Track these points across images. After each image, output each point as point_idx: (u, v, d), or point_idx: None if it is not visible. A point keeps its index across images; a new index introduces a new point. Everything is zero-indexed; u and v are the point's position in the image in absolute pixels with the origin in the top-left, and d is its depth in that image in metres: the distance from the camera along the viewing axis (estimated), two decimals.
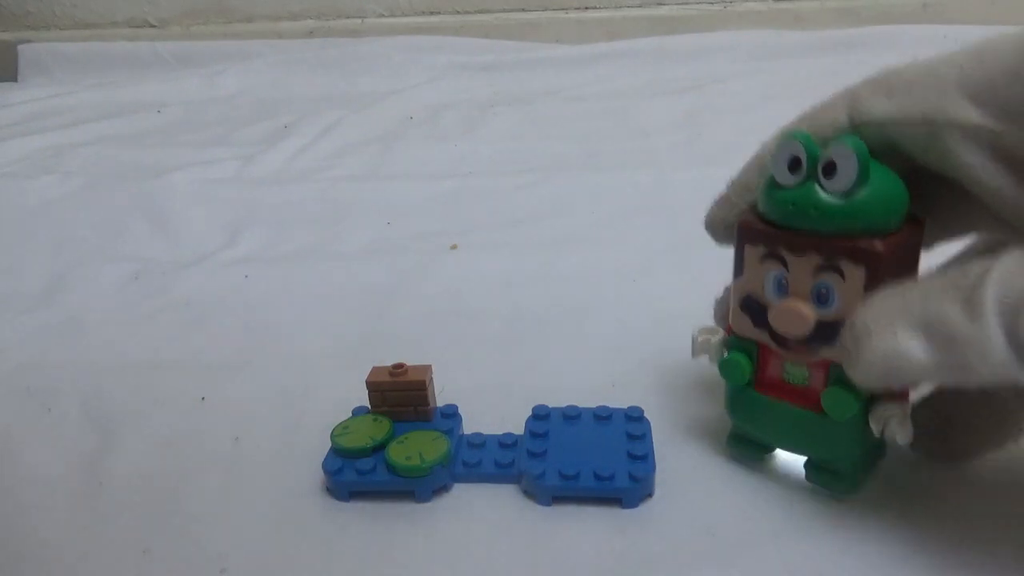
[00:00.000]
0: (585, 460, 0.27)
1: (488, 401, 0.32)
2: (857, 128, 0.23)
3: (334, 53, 1.08)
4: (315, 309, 0.43)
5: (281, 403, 0.34)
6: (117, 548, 0.26)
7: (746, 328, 0.26)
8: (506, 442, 0.29)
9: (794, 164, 0.23)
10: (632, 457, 0.28)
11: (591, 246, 0.49)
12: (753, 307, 0.25)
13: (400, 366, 0.30)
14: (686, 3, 1.16)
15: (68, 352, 0.39)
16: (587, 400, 0.31)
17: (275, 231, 0.55)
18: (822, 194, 0.22)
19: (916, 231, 0.24)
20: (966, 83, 0.21)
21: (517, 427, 0.30)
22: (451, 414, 0.30)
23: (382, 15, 1.18)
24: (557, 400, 0.31)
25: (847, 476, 0.26)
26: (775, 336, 0.25)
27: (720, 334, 0.28)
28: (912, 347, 0.20)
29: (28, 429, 0.33)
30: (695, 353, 0.28)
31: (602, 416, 0.30)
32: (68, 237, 0.55)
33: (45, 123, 0.87)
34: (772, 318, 0.24)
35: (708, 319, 0.30)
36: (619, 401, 0.31)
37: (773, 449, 0.28)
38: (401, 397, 0.29)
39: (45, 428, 0.33)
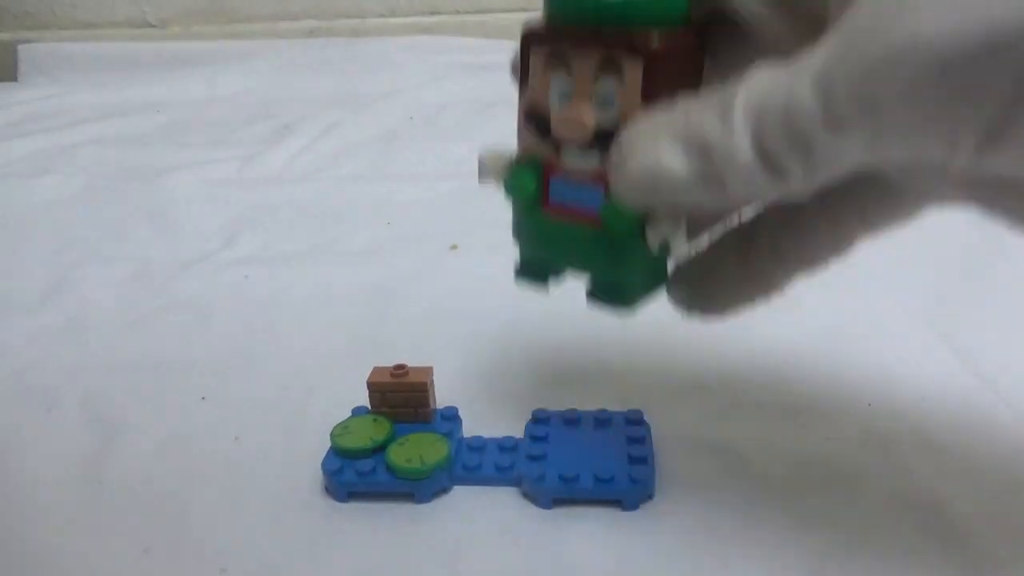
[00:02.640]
0: (585, 463, 0.27)
1: (488, 404, 0.32)
2: None
3: (334, 53, 1.08)
4: (315, 309, 0.43)
5: (281, 403, 0.34)
6: (117, 548, 0.26)
7: (531, 143, 0.25)
8: (506, 445, 0.29)
9: None
10: (632, 460, 0.28)
11: None
12: (537, 118, 0.24)
13: (401, 367, 0.30)
14: None
15: (68, 352, 0.39)
16: (587, 403, 0.31)
17: (275, 231, 0.55)
18: None
19: (694, 32, 0.23)
20: None
21: (517, 430, 0.30)
22: (451, 416, 0.30)
23: (382, 15, 1.18)
24: (557, 403, 0.31)
25: (627, 294, 0.25)
26: (559, 148, 0.24)
27: (507, 154, 0.26)
28: (672, 159, 0.20)
29: (28, 429, 0.33)
30: (481, 176, 0.26)
31: (602, 419, 0.30)
32: (68, 237, 0.55)
33: (45, 123, 0.86)
34: (554, 124, 0.23)
35: None
36: (619, 404, 0.31)
37: (559, 275, 0.27)
38: (402, 398, 0.29)
39: (45, 428, 0.33)
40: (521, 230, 0.26)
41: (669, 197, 0.21)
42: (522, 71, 0.24)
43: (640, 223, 0.23)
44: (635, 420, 0.30)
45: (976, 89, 0.15)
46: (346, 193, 0.62)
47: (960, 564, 0.24)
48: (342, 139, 0.77)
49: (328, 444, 0.29)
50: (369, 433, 0.29)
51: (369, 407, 0.30)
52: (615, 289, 0.25)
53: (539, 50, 0.23)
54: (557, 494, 0.27)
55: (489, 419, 0.31)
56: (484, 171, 0.26)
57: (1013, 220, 0.18)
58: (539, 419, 0.30)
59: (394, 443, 0.28)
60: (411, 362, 0.30)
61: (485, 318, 0.41)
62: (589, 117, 0.23)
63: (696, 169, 0.20)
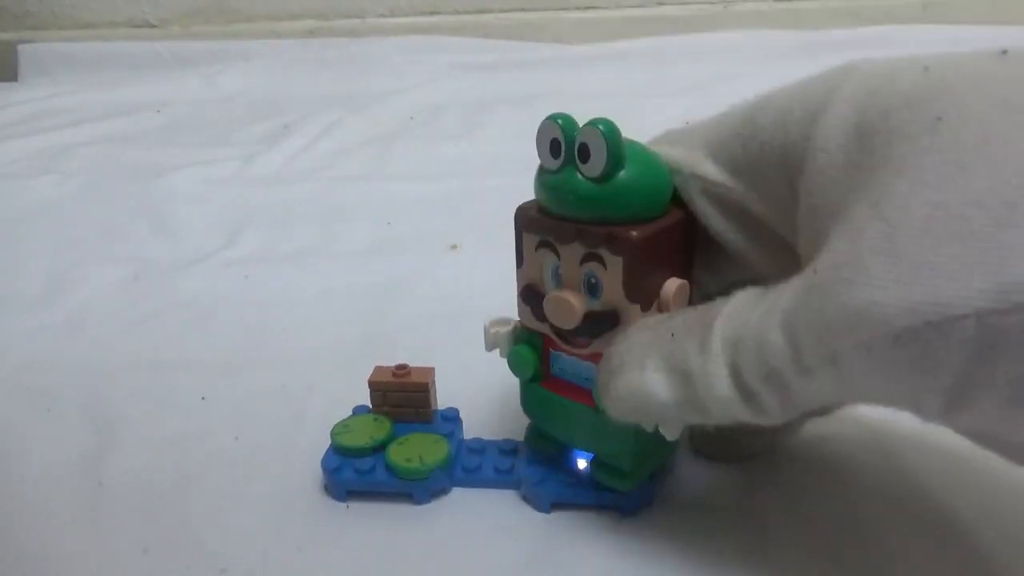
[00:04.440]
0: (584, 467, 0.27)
1: (489, 406, 0.32)
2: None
3: (334, 53, 1.08)
4: (315, 309, 0.43)
5: (281, 402, 0.34)
6: (117, 548, 0.26)
7: (529, 319, 0.25)
8: (506, 448, 0.29)
9: (555, 148, 0.22)
10: None
11: None
12: (533, 297, 0.25)
13: (403, 367, 0.30)
14: (686, 3, 1.15)
15: (68, 352, 0.39)
16: None
17: (275, 231, 0.55)
18: (579, 179, 0.22)
19: (681, 217, 0.23)
20: (708, 142, 0.23)
21: (517, 433, 0.30)
22: (452, 417, 0.30)
23: (382, 15, 1.18)
24: None
25: (626, 473, 0.25)
26: (556, 328, 0.24)
27: (511, 325, 0.27)
28: (656, 384, 0.21)
29: (28, 429, 0.33)
30: (488, 346, 0.27)
31: None
32: (68, 237, 0.55)
33: (45, 123, 0.86)
34: (545, 309, 0.24)
35: None
36: None
37: (565, 445, 0.27)
38: (403, 398, 0.29)
39: (45, 428, 0.33)
40: (525, 402, 0.27)
41: (654, 417, 0.22)
42: (516, 248, 0.25)
43: None
44: None
45: (931, 360, 0.16)
46: (346, 193, 0.62)
47: (959, 564, 0.24)
48: (342, 139, 0.77)
49: (328, 443, 0.29)
50: (369, 432, 0.29)
51: (370, 406, 0.30)
52: (614, 466, 0.25)
53: (530, 236, 0.24)
54: (556, 498, 0.27)
55: (490, 421, 0.31)
56: (489, 342, 0.27)
57: (1003, 456, 0.18)
58: None
59: (394, 443, 0.28)
60: (412, 362, 0.30)
61: (485, 318, 0.41)
62: (577, 304, 0.23)
63: (678, 395, 0.20)
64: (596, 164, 0.21)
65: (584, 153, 0.22)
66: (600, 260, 0.22)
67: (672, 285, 0.23)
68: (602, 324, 0.23)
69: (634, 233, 0.22)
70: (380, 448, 0.28)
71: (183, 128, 0.85)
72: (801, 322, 0.18)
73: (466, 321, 0.41)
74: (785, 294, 0.18)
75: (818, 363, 0.17)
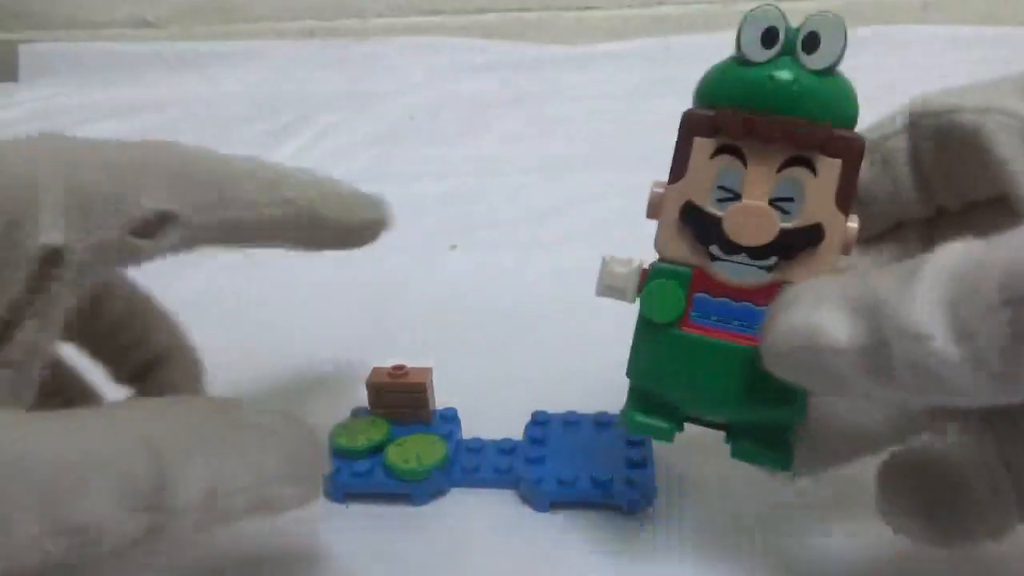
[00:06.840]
0: (584, 466, 0.27)
1: (487, 405, 0.32)
2: (914, 122, 0.22)
3: (335, 53, 1.08)
4: (314, 309, 0.43)
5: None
6: None
7: (683, 247, 0.22)
8: (505, 448, 0.29)
9: (769, 37, 0.20)
10: (631, 463, 0.27)
11: (592, 247, 0.49)
12: (696, 218, 0.21)
13: (400, 368, 0.30)
14: (686, 3, 1.15)
15: (67, 351, 0.39)
16: (588, 404, 0.31)
17: None
18: (802, 71, 0.20)
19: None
20: (1018, 86, 0.21)
21: (516, 432, 0.30)
22: (450, 417, 0.30)
23: (382, 15, 1.18)
24: (557, 404, 0.31)
25: (789, 443, 0.22)
26: (730, 249, 0.21)
27: (638, 262, 0.23)
28: (833, 319, 0.17)
29: None
30: (601, 289, 0.23)
31: (602, 422, 0.30)
32: None
33: (45, 123, 0.86)
34: (728, 223, 0.21)
35: None
36: (620, 406, 0.31)
37: (683, 423, 0.23)
38: (400, 399, 0.29)
39: None
40: (648, 358, 0.22)
41: (819, 365, 0.17)
42: (676, 159, 0.22)
43: None
44: None
45: None
46: None
47: (960, 564, 0.24)
48: (342, 139, 0.77)
49: (327, 445, 0.29)
50: (367, 434, 0.29)
51: (368, 408, 0.30)
52: (772, 434, 0.22)
53: (707, 140, 0.21)
54: (555, 497, 0.27)
55: (488, 420, 0.31)
56: (611, 282, 0.23)
57: None
58: (538, 421, 0.30)
59: (392, 444, 0.28)
60: (410, 363, 0.30)
61: (485, 318, 0.41)
62: (773, 215, 0.20)
63: (858, 335, 0.16)
64: (828, 54, 0.20)
65: (812, 42, 0.20)
66: (809, 165, 0.20)
67: (855, 222, 0.21)
68: (802, 239, 0.20)
69: (858, 134, 0.20)
70: (378, 450, 0.28)
71: (183, 128, 0.85)
72: None
73: (466, 322, 0.41)
74: None
75: None
